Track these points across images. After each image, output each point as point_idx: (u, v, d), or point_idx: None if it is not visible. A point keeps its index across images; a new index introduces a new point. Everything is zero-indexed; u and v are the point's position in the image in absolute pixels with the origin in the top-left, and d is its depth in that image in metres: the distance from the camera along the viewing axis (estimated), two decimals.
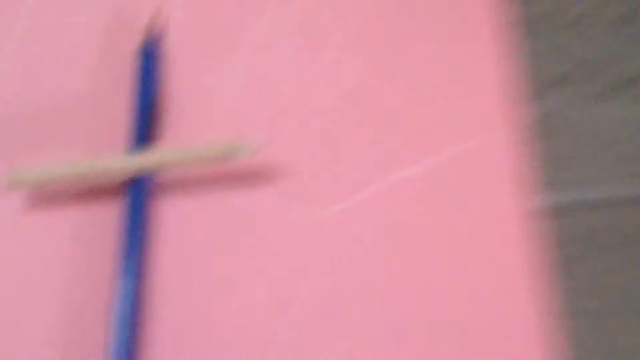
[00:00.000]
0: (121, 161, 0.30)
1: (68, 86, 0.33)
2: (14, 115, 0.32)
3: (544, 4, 0.35)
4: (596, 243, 0.30)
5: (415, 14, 0.34)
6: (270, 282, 0.30)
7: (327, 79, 0.33)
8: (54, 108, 0.33)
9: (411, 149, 0.32)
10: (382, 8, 0.35)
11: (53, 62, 0.34)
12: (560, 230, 0.31)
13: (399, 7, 0.35)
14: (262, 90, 0.33)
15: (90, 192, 0.31)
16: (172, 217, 0.31)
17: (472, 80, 0.33)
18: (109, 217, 0.31)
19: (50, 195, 0.31)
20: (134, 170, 0.30)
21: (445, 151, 0.32)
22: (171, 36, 0.34)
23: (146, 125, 0.32)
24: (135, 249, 0.29)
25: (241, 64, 0.34)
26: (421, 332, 0.29)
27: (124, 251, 0.29)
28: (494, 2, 0.35)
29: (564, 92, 0.33)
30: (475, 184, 0.31)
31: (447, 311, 0.29)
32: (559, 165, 0.32)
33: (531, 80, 0.33)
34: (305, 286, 0.29)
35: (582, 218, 0.31)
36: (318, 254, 0.30)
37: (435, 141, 0.32)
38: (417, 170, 0.32)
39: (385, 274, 0.30)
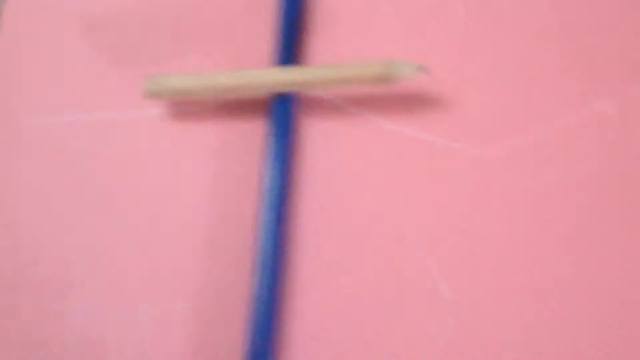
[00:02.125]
0: (269, 75, 0.28)
1: None
2: (157, 20, 0.31)
3: None
4: None
5: None
6: (417, 215, 0.27)
7: (496, 6, 0.30)
8: (195, 16, 0.31)
9: (597, 85, 0.28)
10: None
11: None
12: None
13: None
14: (422, 10, 0.30)
15: (233, 106, 0.29)
16: (318, 137, 0.28)
17: None
18: (252, 132, 0.28)
19: (191, 108, 0.29)
20: (282, 86, 0.28)
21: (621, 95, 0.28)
22: None
23: (292, 40, 0.29)
24: (280, 165, 0.27)
25: None
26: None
27: (268, 170, 0.27)
28: None
29: None
30: None
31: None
32: None
33: None
34: (455, 223, 0.26)
35: None
36: (472, 192, 0.27)
37: (610, 86, 0.28)
38: (604, 107, 0.28)
39: (547, 219, 0.26)
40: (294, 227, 0.27)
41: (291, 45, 0.29)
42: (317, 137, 0.28)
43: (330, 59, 0.30)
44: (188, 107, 0.29)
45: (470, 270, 0.26)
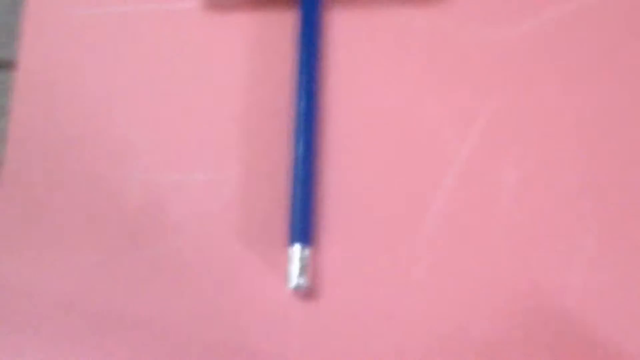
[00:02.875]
0: None
1: None
2: None
3: None
4: None
5: None
6: (446, 106, 0.30)
7: None
8: None
9: None
10: None
11: None
12: None
13: None
14: None
15: None
16: (344, 30, 0.32)
17: None
18: (283, 22, 0.32)
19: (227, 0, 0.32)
20: None
21: None
22: None
23: None
24: (310, 56, 0.30)
25: None
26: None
27: (299, 58, 0.30)
28: None
29: None
30: None
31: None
32: None
33: None
34: (485, 109, 0.30)
35: None
36: (497, 77, 0.31)
37: None
38: None
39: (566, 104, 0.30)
40: (325, 109, 0.31)
41: None
42: (344, 26, 0.32)
43: None
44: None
45: (488, 151, 0.30)
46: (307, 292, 0.28)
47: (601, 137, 0.29)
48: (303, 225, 0.28)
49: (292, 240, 0.28)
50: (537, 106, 0.30)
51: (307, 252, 0.27)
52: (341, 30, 0.32)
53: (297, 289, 0.27)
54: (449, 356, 0.27)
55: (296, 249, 0.27)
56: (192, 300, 0.28)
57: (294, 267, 0.27)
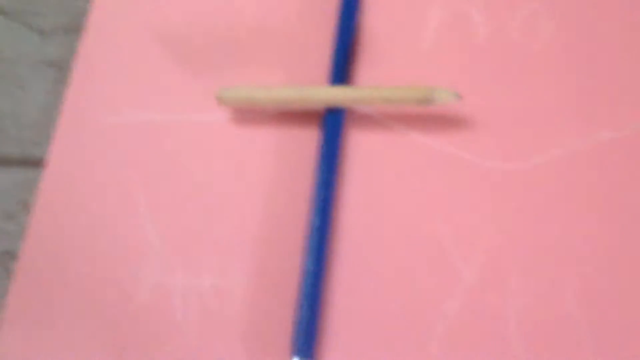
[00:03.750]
0: (323, 92, 0.32)
1: (274, 15, 0.36)
2: (223, 38, 0.35)
3: None
4: None
5: None
6: (454, 226, 0.31)
7: (524, 33, 0.34)
8: (259, 34, 0.35)
9: (608, 115, 0.32)
10: None
11: None
12: None
13: None
14: (456, 40, 0.35)
15: (290, 116, 0.33)
16: (363, 147, 0.33)
17: None
18: (306, 141, 0.33)
19: (255, 115, 0.34)
20: (334, 102, 0.32)
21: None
22: None
23: (345, 62, 0.34)
24: (329, 170, 0.31)
25: (436, 10, 0.35)
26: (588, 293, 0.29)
27: (318, 175, 0.31)
28: None
29: None
30: None
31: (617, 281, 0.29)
32: None
33: None
34: (487, 238, 0.31)
35: None
36: (502, 206, 0.31)
37: (632, 111, 0.32)
38: (616, 136, 0.32)
39: (561, 236, 0.30)
40: (338, 225, 0.31)
41: (344, 66, 0.34)
42: (362, 147, 0.33)
43: (374, 81, 0.34)
44: (252, 114, 0.34)
45: (492, 273, 0.30)
46: None
47: (608, 267, 0.29)
48: (306, 339, 0.27)
49: (294, 353, 0.27)
50: (543, 236, 0.30)
51: None
52: (361, 149, 0.33)
53: None
54: None
55: None
56: None
57: None
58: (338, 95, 0.32)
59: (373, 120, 0.33)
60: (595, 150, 0.32)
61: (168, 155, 0.33)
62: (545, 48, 0.34)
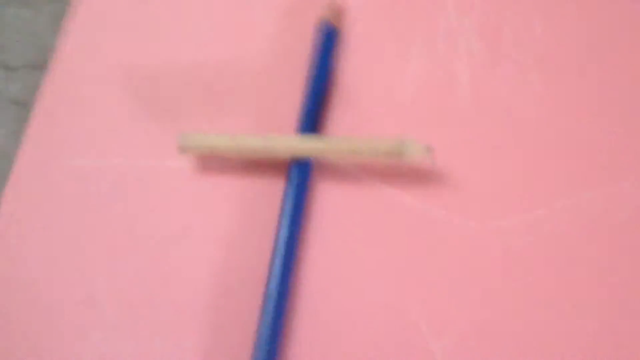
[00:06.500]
0: (291, 142, 0.31)
1: (245, 60, 0.34)
2: (191, 82, 0.34)
3: None
4: None
5: (599, 40, 0.33)
6: (419, 283, 0.29)
7: (506, 93, 0.33)
8: (229, 79, 0.34)
9: (583, 178, 0.31)
10: (566, 28, 0.34)
11: (232, 34, 0.35)
12: None
13: (585, 30, 0.34)
14: (436, 94, 0.33)
15: (256, 165, 0.32)
16: (330, 199, 0.31)
17: None
18: (271, 191, 0.31)
19: (220, 162, 0.32)
20: (302, 152, 0.31)
21: (619, 184, 0.30)
22: (350, 23, 0.35)
23: (316, 110, 0.32)
24: (293, 225, 0.29)
25: (417, 62, 0.34)
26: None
27: (279, 233, 0.29)
28: None
29: None
30: None
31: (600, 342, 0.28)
32: None
33: None
34: (457, 295, 0.29)
35: None
36: (472, 266, 0.29)
37: (611, 173, 0.31)
38: (585, 199, 0.30)
39: (536, 300, 0.29)
40: (301, 278, 0.29)
41: (314, 115, 0.32)
42: (330, 199, 0.31)
43: (347, 131, 0.33)
44: (216, 161, 0.32)
45: (461, 335, 0.28)
46: None
47: (596, 336, 0.27)
48: None
49: None
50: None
51: None
52: (328, 203, 0.31)
53: None
54: None
55: None
56: None
57: None
58: (304, 145, 0.31)
59: (343, 172, 0.32)
60: (575, 211, 0.30)
61: (128, 202, 0.31)
62: (529, 106, 0.33)
